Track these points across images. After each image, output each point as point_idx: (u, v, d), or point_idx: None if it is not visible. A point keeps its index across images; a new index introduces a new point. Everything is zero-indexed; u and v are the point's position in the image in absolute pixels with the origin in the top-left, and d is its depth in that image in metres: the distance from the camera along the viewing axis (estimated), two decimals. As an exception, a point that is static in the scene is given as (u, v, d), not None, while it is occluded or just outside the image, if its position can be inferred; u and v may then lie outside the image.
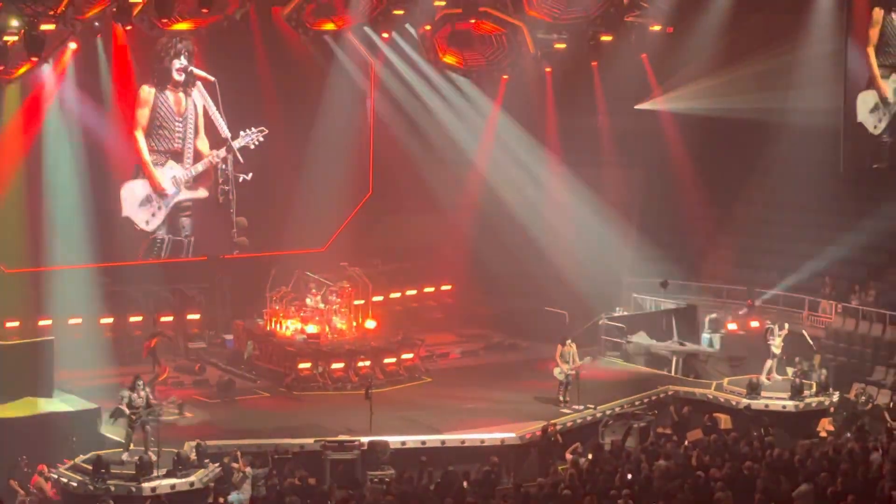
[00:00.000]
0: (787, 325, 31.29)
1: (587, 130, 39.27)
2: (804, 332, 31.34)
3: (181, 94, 35.38)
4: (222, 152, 35.98)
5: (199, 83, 35.40)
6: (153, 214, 35.49)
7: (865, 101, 36.48)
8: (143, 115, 34.95)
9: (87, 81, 33.49)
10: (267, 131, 36.23)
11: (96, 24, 31.50)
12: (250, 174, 36.24)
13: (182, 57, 34.99)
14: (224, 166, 36.08)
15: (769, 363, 31.02)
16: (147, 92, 34.94)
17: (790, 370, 30.73)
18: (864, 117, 36.57)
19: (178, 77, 35.09)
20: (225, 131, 35.91)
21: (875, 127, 36.43)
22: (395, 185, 38.42)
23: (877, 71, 36.49)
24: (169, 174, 35.49)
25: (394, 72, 37.61)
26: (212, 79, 35.36)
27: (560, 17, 35.56)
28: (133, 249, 35.41)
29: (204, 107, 35.62)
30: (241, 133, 36.01)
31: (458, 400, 31.04)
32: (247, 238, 36.72)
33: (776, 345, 30.92)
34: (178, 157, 35.59)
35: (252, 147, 36.13)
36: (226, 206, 36.32)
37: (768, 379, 30.85)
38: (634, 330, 34.97)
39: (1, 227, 32.89)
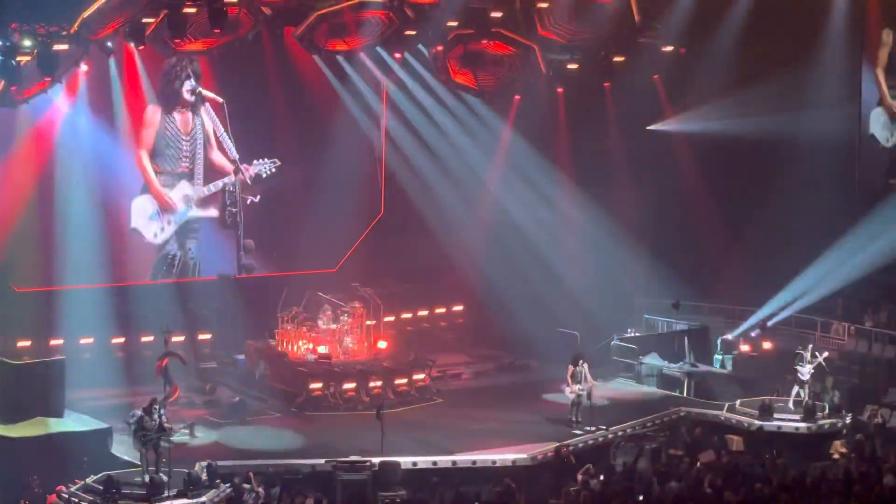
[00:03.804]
0: (818, 354, 30.90)
1: (599, 151, 39.22)
2: (817, 353, 31.17)
3: (189, 115, 35.37)
4: (234, 177, 35.95)
5: (206, 104, 35.38)
6: (162, 229, 35.50)
7: (877, 117, 36.61)
8: (150, 135, 34.93)
9: (98, 101, 33.51)
10: (280, 163, 36.19)
11: (109, 44, 31.60)
12: (258, 196, 36.11)
13: (191, 79, 34.98)
14: (232, 188, 36.05)
15: (796, 388, 30.76)
16: (153, 113, 34.96)
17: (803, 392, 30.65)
18: (875, 130, 36.69)
19: (188, 98, 35.09)
20: (233, 153, 35.86)
21: (888, 140, 36.62)
22: (407, 206, 38.38)
23: (886, 90, 36.68)
24: (180, 193, 35.53)
25: (406, 92, 37.67)
26: (220, 100, 35.25)
27: (572, 38, 35.61)
28: (145, 268, 35.44)
29: (213, 128, 35.64)
30: (255, 162, 36.02)
31: (470, 421, 30.99)
32: (254, 262, 36.63)
33: (805, 371, 30.63)
34: (188, 177, 35.65)
35: (263, 176, 36.14)
36: (233, 227, 36.25)
37: (793, 406, 30.63)
38: (646, 351, 34.98)
39: (12, 246, 32.95)
